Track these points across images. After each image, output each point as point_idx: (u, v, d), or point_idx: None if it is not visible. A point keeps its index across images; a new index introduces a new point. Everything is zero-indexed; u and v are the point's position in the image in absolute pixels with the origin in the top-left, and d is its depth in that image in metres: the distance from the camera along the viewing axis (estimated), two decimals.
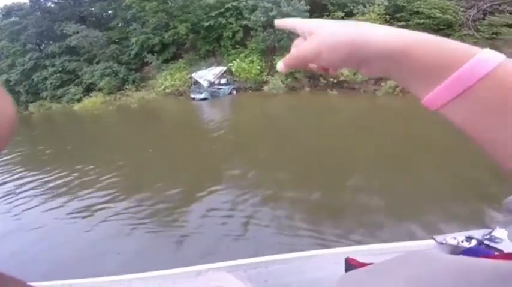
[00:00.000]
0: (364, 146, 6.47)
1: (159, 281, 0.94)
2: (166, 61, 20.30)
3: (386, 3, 15.83)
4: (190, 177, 5.50)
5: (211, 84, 16.08)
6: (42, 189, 5.70)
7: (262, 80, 15.85)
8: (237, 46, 18.55)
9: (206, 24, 18.94)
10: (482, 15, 15.02)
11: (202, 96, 15.41)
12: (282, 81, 14.81)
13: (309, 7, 16.66)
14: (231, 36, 18.60)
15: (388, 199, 4.01)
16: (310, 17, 17.15)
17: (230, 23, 18.72)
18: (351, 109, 12.21)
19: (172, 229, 3.71)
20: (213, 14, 18.85)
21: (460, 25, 15.00)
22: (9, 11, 25.51)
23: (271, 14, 16.36)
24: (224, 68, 16.70)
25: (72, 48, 21.69)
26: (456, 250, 1.37)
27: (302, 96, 14.53)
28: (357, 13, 15.68)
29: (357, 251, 0.99)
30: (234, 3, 18.52)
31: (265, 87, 15.44)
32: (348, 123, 9.75)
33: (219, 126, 10.25)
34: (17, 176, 6.70)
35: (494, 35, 14.39)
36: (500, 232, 1.44)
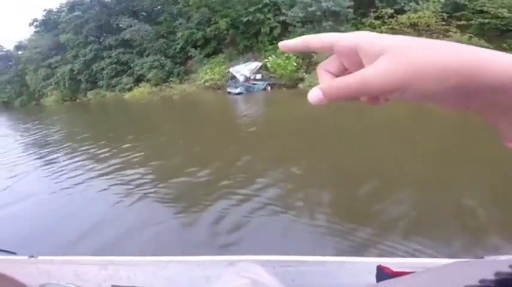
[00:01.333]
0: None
1: (193, 266, 0.98)
2: (207, 55, 21.41)
3: (443, 0, 14.67)
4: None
5: (247, 79, 16.67)
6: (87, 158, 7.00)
7: (298, 77, 15.98)
8: (274, 42, 18.77)
9: (245, 19, 19.44)
10: None
11: (238, 90, 16.11)
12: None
13: (352, 3, 16.10)
14: (268, 32, 18.92)
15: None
16: (355, 13, 16.75)
17: (268, 19, 18.98)
18: (389, 106, 11.93)
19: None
20: (251, 9, 19.26)
21: None
22: (72, 6, 28.64)
23: (310, 9, 16.21)
24: (260, 64, 17.16)
25: (126, 41, 23.95)
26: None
27: None
28: (409, 10, 14.77)
29: (393, 263, 0.89)
30: None
31: (301, 85, 15.59)
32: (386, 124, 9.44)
33: (247, 121, 10.73)
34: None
35: None
36: None
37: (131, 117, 14.88)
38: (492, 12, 13.66)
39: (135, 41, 23.63)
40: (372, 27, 15.62)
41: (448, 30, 13.96)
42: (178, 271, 0.99)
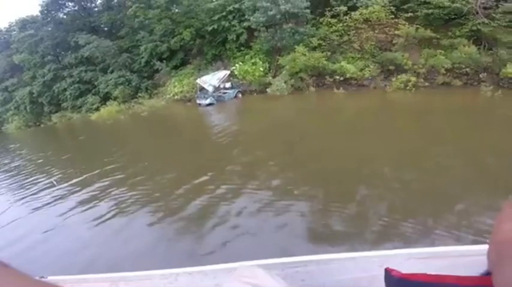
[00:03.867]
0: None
1: (201, 276, 1.00)
2: (175, 67, 20.95)
3: None
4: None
5: (217, 89, 16.50)
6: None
7: (266, 81, 16.04)
8: (242, 48, 18.79)
9: (210, 28, 19.26)
10: (495, 2, 14.21)
11: (208, 101, 15.90)
12: (285, 82, 14.88)
13: (309, 3, 16.45)
14: (235, 38, 18.84)
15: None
16: (313, 13, 17.12)
17: (233, 26, 18.90)
18: (360, 107, 12.06)
19: None
20: (216, 17, 19.11)
21: (473, 14, 14.25)
22: (24, 24, 26.85)
23: (270, 13, 16.33)
24: (228, 72, 17.08)
25: (87, 58, 22.82)
26: None
27: (308, 96, 14.64)
28: (361, 6, 15.27)
29: (398, 255, 0.94)
30: (236, 5, 18.66)
31: (268, 89, 15.66)
32: (357, 122, 9.53)
33: (220, 131, 10.55)
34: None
35: (511, 22, 13.57)
36: None
37: (89, 142, 14.09)
38: (434, 2, 14.21)
39: (96, 58, 22.61)
40: (329, 26, 16.04)
41: (397, 23, 14.54)
42: (188, 282, 1.01)
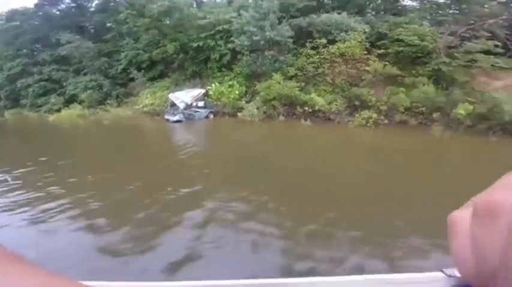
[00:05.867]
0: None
1: None
2: (152, 79, 20.04)
3: (368, 30, 15.72)
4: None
5: (189, 106, 15.47)
6: None
7: (239, 105, 15.21)
8: (223, 69, 18.30)
9: (195, 44, 18.80)
10: (459, 42, 14.29)
11: (176, 118, 14.76)
12: (258, 108, 14.15)
13: (293, 33, 16.30)
14: (218, 58, 18.39)
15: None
16: (295, 43, 16.93)
17: (219, 45, 18.58)
18: (319, 141, 11.93)
19: None
20: (203, 35, 18.70)
21: (436, 53, 14.29)
22: (13, 15, 25.71)
23: (255, 38, 16.12)
24: (203, 91, 16.24)
25: (63, 57, 21.61)
26: (463, 284, 1.35)
27: (276, 125, 14.17)
28: (339, 40, 15.55)
29: (355, 282, 0.85)
30: (226, 26, 18.37)
31: (240, 113, 14.77)
32: (312, 155, 9.36)
33: (178, 150, 9.54)
34: None
35: (470, 63, 13.64)
36: None
37: (24, 143, 12.75)
38: (406, 40, 14.46)
39: (73, 58, 21.48)
40: (308, 57, 16.13)
41: (369, 59, 14.79)
42: None
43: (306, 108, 13.97)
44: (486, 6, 16.63)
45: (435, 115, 13.34)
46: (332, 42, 15.74)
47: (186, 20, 19.91)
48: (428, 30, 15.14)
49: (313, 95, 14.18)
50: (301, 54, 16.56)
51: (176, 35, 19.75)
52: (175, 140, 12.27)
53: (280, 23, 16.87)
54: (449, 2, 18.28)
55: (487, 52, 13.91)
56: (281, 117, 14.41)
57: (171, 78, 19.54)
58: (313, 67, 15.69)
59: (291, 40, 16.54)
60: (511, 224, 0.15)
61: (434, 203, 5.55)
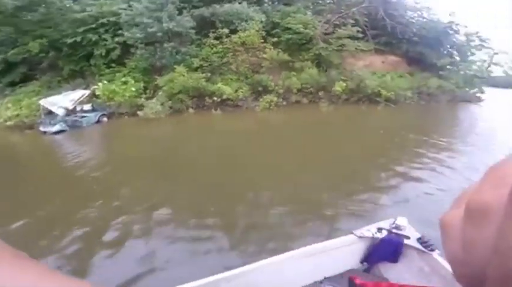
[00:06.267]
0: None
1: None
2: (12, 84, 15.64)
3: (264, 20, 16.74)
4: None
5: (72, 111, 12.73)
6: None
7: (139, 103, 13.59)
8: (112, 65, 15.96)
9: (70, 40, 15.71)
10: (333, 29, 17.20)
11: (56, 128, 11.88)
12: (162, 104, 12.94)
13: (195, 23, 15.75)
14: (104, 54, 15.90)
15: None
16: (198, 33, 16.45)
17: (104, 40, 16.17)
18: (232, 127, 11.97)
19: None
20: (81, 29, 15.79)
21: (316, 39, 16.75)
22: None
23: (150, 30, 14.79)
24: (87, 92, 13.68)
25: None
26: (374, 241, 2.16)
27: (186, 118, 13.29)
28: (241, 30, 15.95)
29: (284, 261, 1.60)
30: (112, 19, 16.08)
31: (141, 112, 13.20)
32: (228, 143, 9.21)
33: (64, 168, 7.58)
34: None
35: (341, 47, 16.65)
36: (402, 220, 2.27)
37: None
38: (293, 28, 16.47)
39: None
40: (212, 47, 15.98)
41: (265, 47, 15.96)
42: None
43: (215, 98, 13.74)
44: None
45: (320, 93, 15.78)
46: (234, 31, 16.01)
47: (56, 14, 16.38)
48: (310, 19, 17.30)
49: (219, 84, 14.04)
50: (205, 44, 16.23)
51: (42, 31, 15.98)
52: (57, 157, 9.77)
53: (181, 13, 16.01)
54: None
55: (353, 37, 17.02)
56: (190, 110, 13.67)
57: (40, 81, 15.64)
58: (218, 57, 15.61)
59: (193, 31, 15.90)
60: (500, 225, 0.15)
61: (330, 156, 7.85)
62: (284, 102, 14.89)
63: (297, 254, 1.88)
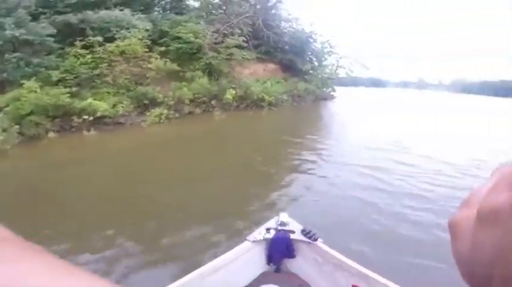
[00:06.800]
0: None
1: None
2: None
3: (149, 28, 15.88)
4: None
5: None
6: None
7: None
8: None
9: None
10: (222, 38, 18.07)
11: None
12: (4, 131, 9.91)
13: (55, 31, 13.49)
14: None
15: None
16: (62, 42, 14.23)
17: None
18: (112, 149, 10.58)
19: None
20: None
21: (206, 48, 17.24)
22: None
23: None
24: None
25: None
26: (267, 243, 2.41)
27: (44, 146, 10.58)
28: (119, 38, 14.48)
29: (202, 273, 1.73)
30: None
31: None
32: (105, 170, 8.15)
33: None
34: None
35: (229, 56, 17.71)
36: (284, 216, 2.54)
37: None
38: (184, 37, 16.29)
39: None
40: (77, 57, 13.79)
41: (151, 57, 15.10)
42: None
43: (86, 116, 11.57)
44: (243, 7, 21.14)
45: (213, 102, 16.14)
46: (110, 40, 14.26)
47: None
48: (201, 29, 17.41)
49: (90, 99, 12.01)
50: (69, 54, 13.82)
51: None
52: None
53: (36, 19, 13.41)
54: (220, 2, 21.77)
55: (239, 46, 17.98)
56: (51, 135, 11.13)
57: None
58: (88, 68, 13.47)
59: (51, 39, 13.45)
60: (507, 226, 0.16)
61: (224, 162, 8.67)
62: (177, 114, 14.21)
63: (206, 271, 1.93)
